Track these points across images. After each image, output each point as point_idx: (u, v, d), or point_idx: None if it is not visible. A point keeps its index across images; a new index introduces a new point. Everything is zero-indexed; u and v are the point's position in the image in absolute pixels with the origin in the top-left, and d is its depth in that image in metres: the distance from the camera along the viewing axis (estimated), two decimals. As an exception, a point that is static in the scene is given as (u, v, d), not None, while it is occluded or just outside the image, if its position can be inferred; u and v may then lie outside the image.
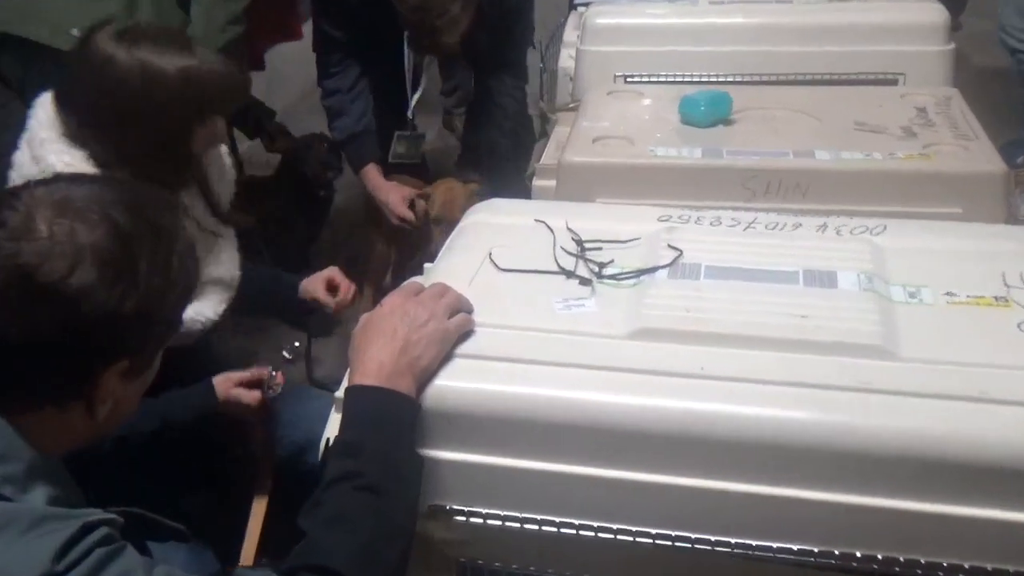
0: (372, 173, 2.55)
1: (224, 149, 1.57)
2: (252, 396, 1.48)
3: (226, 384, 1.47)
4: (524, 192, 1.76)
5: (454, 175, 2.53)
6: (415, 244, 2.52)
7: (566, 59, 2.31)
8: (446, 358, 1.05)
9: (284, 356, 1.71)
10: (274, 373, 1.50)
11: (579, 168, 1.58)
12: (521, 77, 2.56)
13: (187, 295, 0.95)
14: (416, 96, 2.58)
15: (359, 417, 1.00)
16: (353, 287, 1.77)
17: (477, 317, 1.11)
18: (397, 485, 0.97)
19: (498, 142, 2.54)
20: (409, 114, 2.62)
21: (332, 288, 1.76)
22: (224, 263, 1.55)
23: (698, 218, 1.32)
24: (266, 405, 1.50)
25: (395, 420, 0.99)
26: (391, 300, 1.08)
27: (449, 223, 2.43)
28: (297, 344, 1.81)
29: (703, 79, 1.97)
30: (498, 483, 1.02)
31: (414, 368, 1.02)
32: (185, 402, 1.42)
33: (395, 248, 2.61)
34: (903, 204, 1.44)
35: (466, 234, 1.35)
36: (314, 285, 1.76)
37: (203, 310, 1.49)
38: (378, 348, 1.03)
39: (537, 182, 1.69)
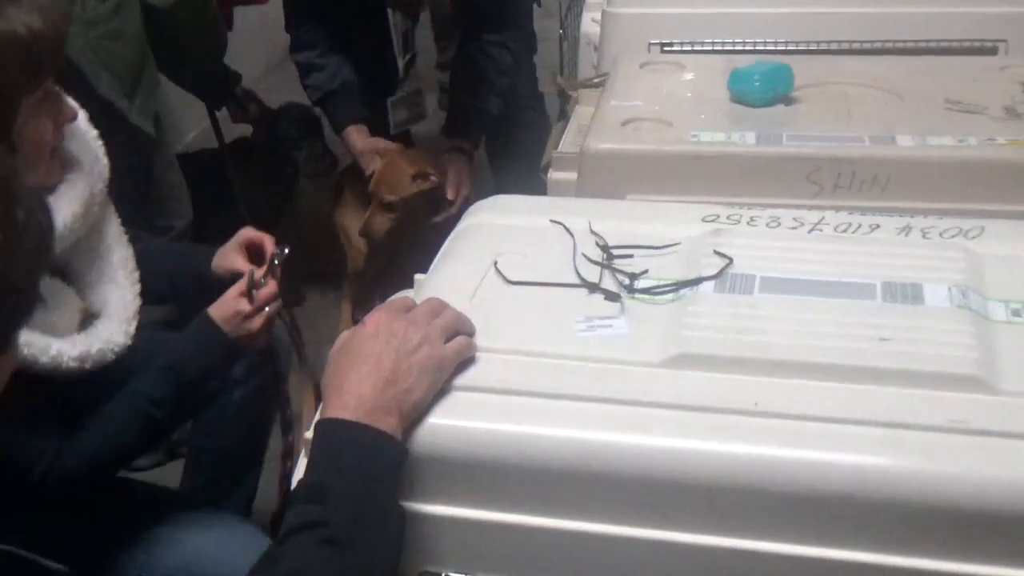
0: (353, 135, 2.63)
1: (86, 128, 1.55)
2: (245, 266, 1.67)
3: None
4: (537, 186, 1.77)
5: (441, 148, 2.59)
6: (405, 242, 2.55)
7: (589, 23, 2.33)
8: (441, 391, 1.05)
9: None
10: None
11: (605, 157, 1.58)
12: (521, 35, 2.61)
13: (38, 258, 0.92)
14: (406, 58, 2.64)
15: (329, 456, 1.00)
16: (272, 247, 1.76)
17: (480, 341, 1.11)
18: (371, 540, 0.98)
19: (488, 101, 2.61)
20: (400, 74, 2.68)
21: (254, 253, 1.77)
22: (116, 276, 1.56)
23: (752, 218, 1.32)
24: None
25: (374, 463, 0.99)
26: (375, 318, 1.09)
27: (384, 208, 2.50)
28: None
29: (758, 47, 1.98)
30: (505, 545, 1.02)
31: (402, 403, 1.02)
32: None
33: (377, 248, 2.64)
34: (1004, 201, 1.44)
35: (466, 238, 1.35)
36: (228, 257, 1.76)
37: (111, 336, 1.51)
38: (358, 377, 1.03)
39: (554, 174, 1.70)
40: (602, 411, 1.02)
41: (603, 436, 1.00)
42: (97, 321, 1.51)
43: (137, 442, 1.55)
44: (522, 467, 1.01)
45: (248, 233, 1.80)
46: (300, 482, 1.01)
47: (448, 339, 1.09)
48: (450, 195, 2.56)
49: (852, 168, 1.51)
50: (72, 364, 1.43)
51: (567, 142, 1.82)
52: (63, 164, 1.49)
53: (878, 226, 1.28)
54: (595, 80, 2.03)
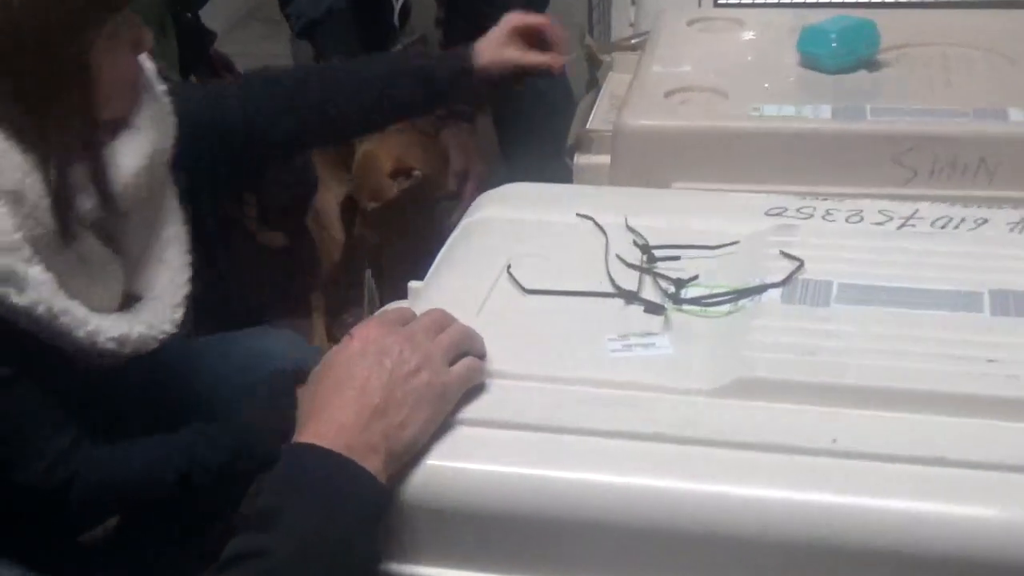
0: None
1: (156, 82, 1.61)
2: None
3: None
4: (560, 172, 1.77)
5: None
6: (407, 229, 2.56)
7: (627, -31, 2.34)
8: (443, 425, 1.05)
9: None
10: None
11: (645, 136, 1.60)
12: None
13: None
14: (399, 6, 2.64)
15: (289, 479, 1.01)
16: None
17: (491, 363, 1.12)
18: None
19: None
20: (395, 21, 2.69)
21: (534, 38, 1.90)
22: (166, 255, 1.61)
23: (827, 211, 1.32)
24: None
25: (346, 502, 0.99)
26: (364, 333, 1.09)
27: (367, 218, 2.49)
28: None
29: (836, 0, 1.98)
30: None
31: (392, 440, 1.02)
32: None
33: (367, 235, 2.64)
34: None
35: (472, 237, 1.36)
36: (502, 51, 1.89)
37: (155, 320, 1.55)
38: (341, 404, 1.03)
39: (581, 158, 1.71)
40: (642, 451, 1.02)
41: (644, 481, 1.00)
42: (140, 303, 1.55)
43: (157, 493, 1.56)
44: (543, 520, 1.00)
45: (518, 19, 1.88)
46: (250, 506, 1.02)
47: (453, 361, 1.09)
48: (452, 184, 2.56)
49: (953, 149, 1.52)
50: (109, 345, 1.47)
51: (598, 118, 1.83)
52: (139, 99, 1.54)
53: (985, 221, 1.28)
54: (633, 40, 2.05)
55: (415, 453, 1.03)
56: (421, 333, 1.10)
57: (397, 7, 2.70)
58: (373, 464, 1.01)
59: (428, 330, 1.11)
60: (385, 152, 2.52)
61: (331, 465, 1.00)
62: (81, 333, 1.44)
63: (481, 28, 2.30)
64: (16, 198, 1.36)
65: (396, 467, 1.02)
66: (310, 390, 1.08)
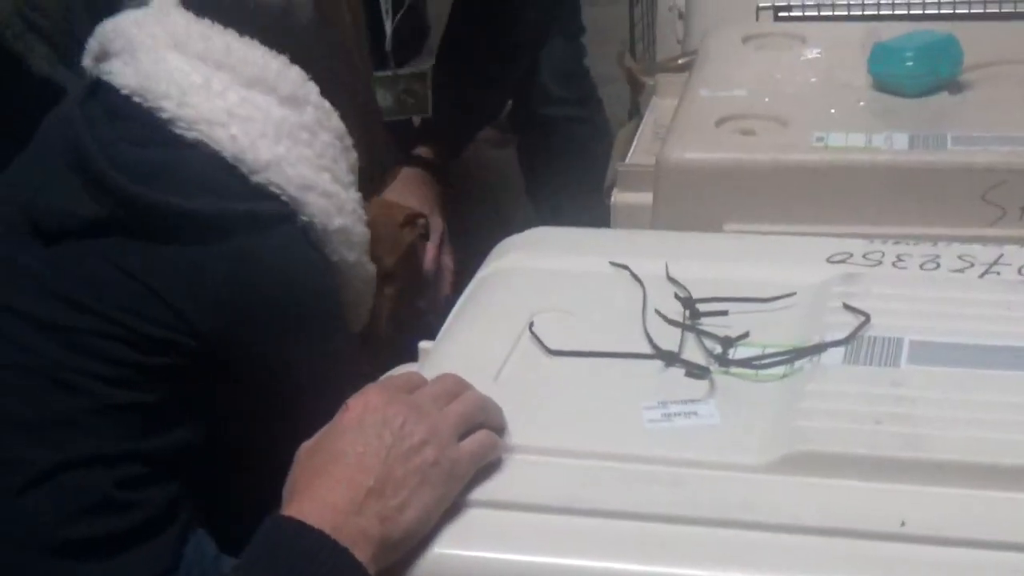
0: None
1: None
2: None
3: None
4: (596, 212, 1.79)
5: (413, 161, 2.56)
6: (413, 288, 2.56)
7: (674, -19, 2.36)
8: (452, 507, 1.06)
9: None
10: None
11: (693, 171, 1.61)
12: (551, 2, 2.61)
13: None
14: (394, 20, 2.62)
15: (264, 554, 1.01)
16: None
17: (509, 436, 1.13)
18: None
19: (483, 95, 2.57)
20: (387, 44, 2.68)
21: None
22: None
23: (899, 256, 1.33)
24: None
25: None
26: (363, 400, 1.10)
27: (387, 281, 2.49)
28: None
29: (912, 12, 2.01)
30: None
31: (387, 525, 1.02)
32: None
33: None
34: None
35: (490, 289, 1.37)
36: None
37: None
38: (331, 482, 1.04)
39: (620, 197, 1.72)
40: (685, 536, 1.02)
41: (686, 571, 1.00)
42: None
43: None
44: (569, 617, 1.01)
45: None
46: None
47: (465, 435, 1.10)
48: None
49: (1049, 183, 1.52)
50: None
51: (639, 150, 1.85)
52: None
53: (1083, 268, 1.29)
54: (680, 61, 2.06)
55: (416, 541, 1.04)
56: (428, 402, 1.11)
57: (389, 32, 2.69)
58: (362, 551, 1.01)
59: (437, 399, 1.11)
60: (393, 204, 2.50)
61: (311, 544, 1.00)
62: None
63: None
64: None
65: (392, 557, 1.03)
66: (300, 466, 1.08)
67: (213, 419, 1.65)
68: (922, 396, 1.12)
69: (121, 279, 1.57)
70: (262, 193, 1.60)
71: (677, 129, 1.69)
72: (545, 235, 1.49)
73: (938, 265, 1.31)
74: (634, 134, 1.90)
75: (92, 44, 1.72)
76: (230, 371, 1.63)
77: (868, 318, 1.22)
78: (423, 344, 1.35)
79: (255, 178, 1.59)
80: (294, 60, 1.67)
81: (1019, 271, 1.29)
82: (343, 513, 1.02)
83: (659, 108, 1.96)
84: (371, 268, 1.78)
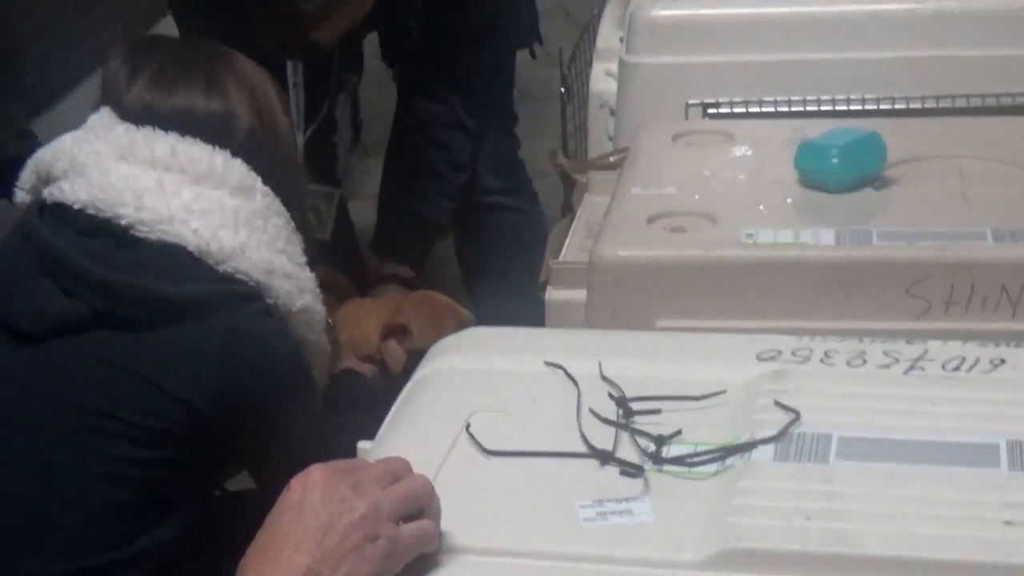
0: None
1: None
2: None
3: None
4: (531, 310, 1.80)
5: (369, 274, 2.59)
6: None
7: (602, 78, 2.38)
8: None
9: None
10: None
11: (625, 268, 1.63)
12: (486, 104, 2.64)
13: None
14: (308, 130, 2.64)
15: None
16: None
17: (447, 535, 1.13)
18: None
19: (434, 206, 2.65)
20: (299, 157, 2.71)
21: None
22: None
23: (827, 353, 1.35)
24: None
25: None
26: (307, 477, 1.11)
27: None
28: None
29: (837, 108, 2.03)
30: None
31: (323, 606, 1.04)
32: None
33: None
34: None
35: (427, 390, 1.39)
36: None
37: None
38: (271, 564, 1.05)
39: (554, 293, 1.74)
40: (620, 634, 1.04)
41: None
42: None
43: None
44: None
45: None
46: None
47: (406, 518, 1.10)
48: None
49: (971, 277, 1.55)
50: None
51: (572, 246, 1.86)
52: None
53: (1003, 361, 1.31)
54: (611, 158, 2.07)
55: None
56: (371, 480, 1.11)
57: (301, 139, 2.70)
58: None
59: (379, 478, 1.12)
60: (367, 313, 2.48)
61: None
62: None
63: None
64: None
65: None
66: (250, 546, 1.09)
67: (202, 505, 1.67)
68: (850, 492, 1.14)
69: (112, 373, 1.59)
70: (231, 278, 1.63)
71: (609, 226, 1.71)
72: (479, 335, 1.51)
73: (864, 361, 1.33)
74: (567, 231, 1.91)
75: (25, 176, 1.75)
76: (221, 451, 1.66)
77: (798, 415, 1.24)
78: (362, 444, 1.35)
79: (222, 268, 1.62)
80: (236, 154, 1.70)
81: (943, 367, 1.31)
82: None
83: (591, 205, 1.97)
84: (327, 346, 1.82)
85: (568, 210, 2.04)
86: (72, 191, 1.64)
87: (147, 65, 1.75)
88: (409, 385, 1.42)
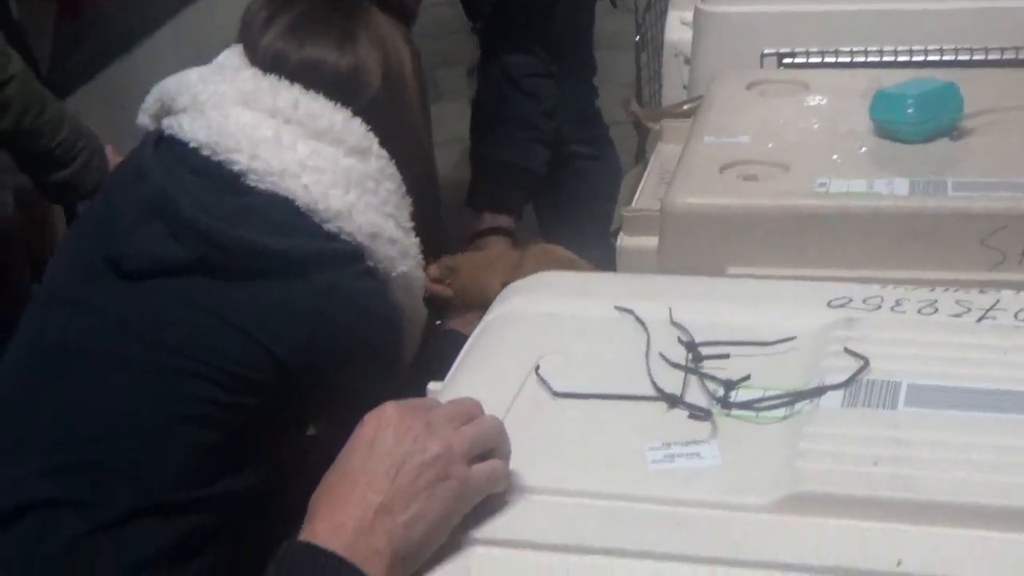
0: None
1: None
2: None
3: None
4: (603, 256, 1.80)
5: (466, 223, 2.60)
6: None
7: (677, 27, 2.38)
8: (452, 544, 1.08)
9: None
10: None
11: (697, 216, 1.63)
12: (572, 53, 2.64)
13: None
14: None
15: None
16: None
17: (516, 473, 1.14)
18: None
19: (531, 155, 2.65)
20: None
21: None
22: None
23: (898, 301, 1.35)
24: None
25: None
26: (379, 415, 1.12)
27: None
28: None
29: (914, 59, 2.01)
30: None
31: (397, 542, 1.05)
32: None
33: None
34: None
35: (497, 333, 1.39)
36: None
37: None
38: (342, 501, 1.07)
39: (625, 240, 1.74)
40: (686, 574, 1.04)
41: (687, 611, 1.02)
42: None
43: None
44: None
45: None
46: None
47: (477, 458, 1.11)
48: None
49: (1048, 228, 1.53)
50: None
51: (645, 194, 1.87)
52: None
53: (1080, 313, 1.30)
54: (685, 106, 2.07)
55: (427, 556, 1.06)
56: (443, 421, 1.12)
57: None
58: (375, 568, 1.03)
59: (452, 419, 1.13)
60: (485, 267, 2.50)
61: (324, 566, 1.03)
62: None
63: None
64: None
65: (405, 573, 1.05)
66: (320, 484, 1.10)
67: (280, 458, 1.68)
68: (919, 438, 1.14)
69: (207, 319, 1.61)
70: (335, 237, 1.64)
71: (681, 174, 1.71)
72: (550, 280, 1.51)
73: (936, 310, 1.32)
74: (640, 179, 1.91)
75: (148, 102, 1.77)
76: (305, 405, 1.68)
77: (867, 362, 1.23)
78: (432, 385, 1.36)
79: (327, 226, 1.64)
80: (357, 113, 1.71)
81: (1015, 316, 1.30)
82: (353, 532, 1.04)
83: (664, 153, 1.97)
84: (424, 312, 1.83)
85: (641, 158, 2.04)
86: (191, 129, 1.67)
87: (285, 13, 1.76)
88: (479, 328, 1.43)
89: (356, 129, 1.70)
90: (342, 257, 1.64)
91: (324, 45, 1.74)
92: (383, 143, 1.73)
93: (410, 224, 1.76)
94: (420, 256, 1.77)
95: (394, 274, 1.70)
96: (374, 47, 1.76)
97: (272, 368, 1.62)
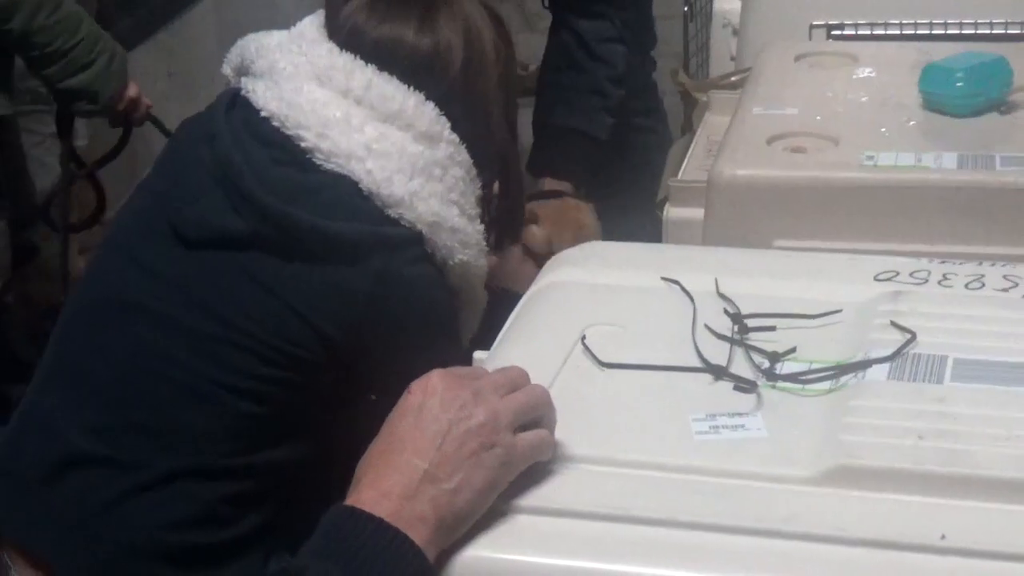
0: None
1: None
2: None
3: None
4: (650, 226, 1.80)
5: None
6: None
7: (727, -2, 2.38)
8: (495, 512, 1.08)
9: None
10: None
11: (744, 187, 1.64)
12: (638, 19, 2.64)
13: None
14: None
15: (326, 543, 1.05)
16: None
17: (562, 442, 1.14)
18: None
19: (596, 122, 2.68)
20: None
21: None
22: None
23: (945, 275, 1.34)
24: None
25: (379, 570, 1.03)
26: (427, 383, 1.12)
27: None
28: None
29: (964, 32, 2.00)
30: None
31: (441, 509, 1.05)
32: None
33: None
34: None
35: (544, 302, 1.40)
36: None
37: None
38: (388, 468, 1.07)
39: (672, 211, 1.75)
40: (729, 546, 1.04)
41: (731, 581, 1.02)
42: None
43: None
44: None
45: None
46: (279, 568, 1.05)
47: (523, 427, 1.12)
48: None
49: (1100, 204, 1.53)
50: None
51: (692, 165, 1.87)
52: None
53: (1124, 287, 1.30)
54: (733, 77, 2.07)
55: (472, 523, 1.06)
56: (490, 389, 1.12)
57: None
58: (419, 535, 1.04)
59: (499, 387, 1.13)
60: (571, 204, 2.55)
61: (369, 531, 1.04)
62: None
63: None
64: None
65: (450, 539, 1.06)
66: (367, 451, 1.11)
67: (321, 434, 1.68)
68: (965, 413, 1.14)
69: (260, 294, 1.61)
70: (395, 223, 1.63)
71: (729, 146, 1.71)
72: (597, 250, 1.51)
73: (983, 284, 1.32)
74: (687, 150, 1.92)
75: (233, 55, 1.77)
76: (350, 385, 1.67)
77: (914, 335, 1.24)
78: (478, 354, 1.37)
79: (388, 211, 1.63)
80: (430, 97, 1.69)
81: (1066, 291, 1.30)
82: (399, 499, 1.05)
83: (712, 124, 1.97)
84: (483, 298, 1.81)
85: (688, 128, 2.04)
86: (264, 98, 1.66)
87: None
88: (526, 297, 1.44)
89: (428, 114, 1.68)
90: (400, 242, 1.63)
91: (404, 25, 1.71)
92: (456, 126, 1.71)
93: (476, 210, 1.74)
94: (483, 244, 1.74)
95: (452, 262, 1.69)
96: (455, 28, 1.73)
97: (322, 349, 1.62)
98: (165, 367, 1.62)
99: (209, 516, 1.61)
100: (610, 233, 2.38)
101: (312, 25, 1.75)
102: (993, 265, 1.36)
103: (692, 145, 1.93)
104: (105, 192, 3.26)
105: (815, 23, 2.09)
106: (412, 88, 1.68)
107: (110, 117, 3.00)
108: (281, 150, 1.64)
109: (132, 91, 2.94)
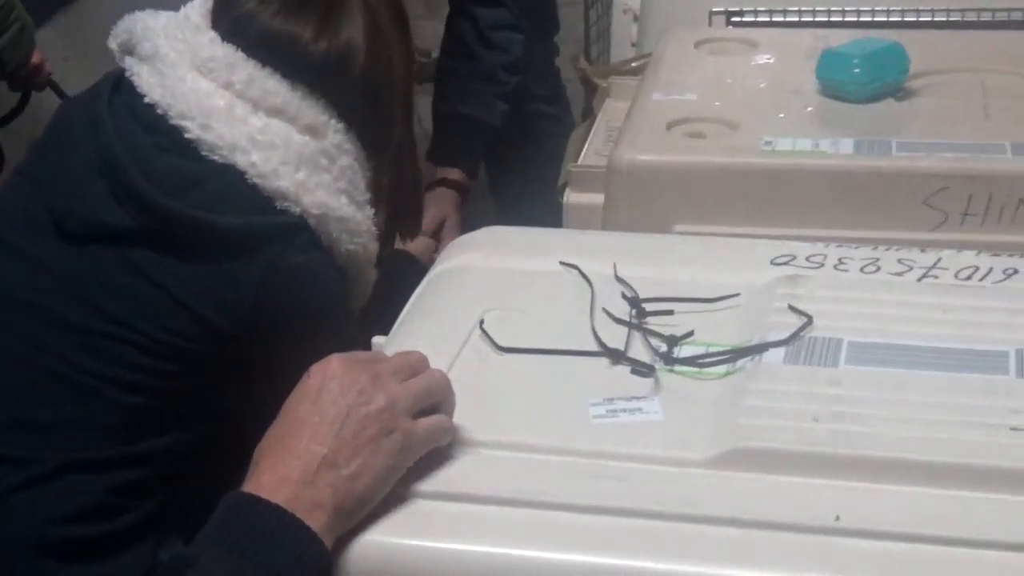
0: None
1: None
2: None
3: None
4: (551, 212, 1.80)
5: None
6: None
7: (626, -16, 2.38)
8: (394, 497, 1.08)
9: None
10: None
11: (643, 172, 1.64)
12: (538, 5, 2.64)
13: None
14: None
15: (218, 528, 1.04)
16: None
17: (460, 427, 1.15)
18: None
19: (490, 109, 2.68)
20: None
21: None
22: None
23: (840, 259, 1.35)
24: None
25: (274, 556, 1.02)
26: (326, 367, 1.12)
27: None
28: None
29: (861, 19, 2.02)
30: None
31: (340, 495, 1.05)
32: None
33: None
34: None
35: (443, 287, 1.39)
36: None
37: None
38: (286, 453, 1.07)
39: (572, 196, 1.74)
40: (626, 528, 1.05)
41: (626, 563, 1.02)
42: None
43: None
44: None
45: None
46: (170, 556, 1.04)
47: (423, 412, 1.12)
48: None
49: (989, 189, 1.55)
50: None
51: (592, 151, 1.87)
52: None
53: (1015, 271, 1.31)
54: (633, 63, 2.07)
55: (369, 508, 1.06)
56: (389, 373, 1.12)
57: None
58: (317, 521, 1.03)
59: (398, 372, 1.13)
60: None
61: (266, 518, 1.03)
62: None
63: None
64: None
65: (347, 524, 1.05)
66: (265, 436, 1.10)
67: (209, 420, 1.66)
68: (859, 395, 1.15)
69: (147, 289, 1.58)
70: (282, 213, 1.61)
71: (629, 131, 1.71)
72: (496, 235, 1.51)
73: (878, 268, 1.33)
74: (587, 135, 1.92)
75: (120, 30, 1.72)
76: (242, 374, 1.65)
77: (810, 319, 1.24)
78: (376, 339, 1.36)
79: (276, 203, 1.61)
80: (321, 93, 1.67)
81: (955, 275, 1.31)
82: (297, 484, 1.04)
83: (612, 110, 1.97)
84: (372, 275, 1.79)
85: (588, 114, 2.04)
86: (148, 84, 1.63)
87: None
88: (424, 282, 1.43)
89: (313, 106, 1.66)
90: (288, 231, 1.62)
91: (301, 22, 1.67)
92: (347, 116, 1.69)
93: (365, 196, 1.73)
94: (373, 231, 1.73)
95: (342, 251, 1.67)
96: (357, 26, 1.70)
97: (213, 341, 1.60)
98: (49, 363, 1.60)
99: (97, 508, 1.59)
100: (512, 219, 2.38)
101: (197, 10, 1.71)
102: (888, 249, 1.37)
103: (592, 131, 1.93)
104: (4, 152, 3.23)
105: (715, 9, 2.09)
106: (295, 83, 1.65)
107: (11, 82, 2.99)
108: (165, 137, 1.61)
109: (36, 58, 2.94)
